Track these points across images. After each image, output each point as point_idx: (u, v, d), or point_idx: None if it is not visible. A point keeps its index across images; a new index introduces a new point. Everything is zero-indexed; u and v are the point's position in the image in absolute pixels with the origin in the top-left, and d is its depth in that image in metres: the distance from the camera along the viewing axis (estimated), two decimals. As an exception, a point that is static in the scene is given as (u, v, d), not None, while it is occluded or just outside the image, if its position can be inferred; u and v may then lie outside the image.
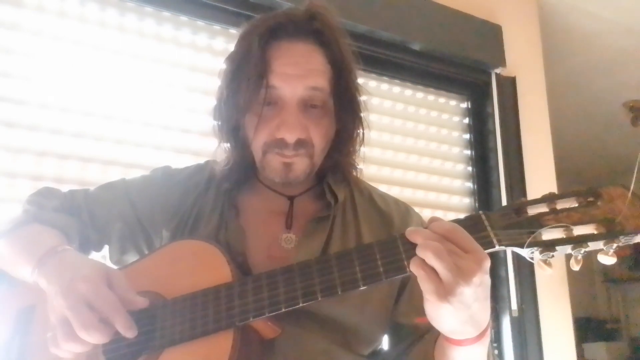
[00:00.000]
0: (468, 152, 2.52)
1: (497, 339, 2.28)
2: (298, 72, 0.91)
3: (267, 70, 0.91)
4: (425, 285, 0.70)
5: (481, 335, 0.75)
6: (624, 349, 5.15)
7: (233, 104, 0.97)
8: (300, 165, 0.94)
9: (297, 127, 0.91)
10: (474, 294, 0.69)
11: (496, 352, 2.26)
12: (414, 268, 0.71)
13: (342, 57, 0.97)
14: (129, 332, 0.78)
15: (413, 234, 0.74)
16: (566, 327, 2.40)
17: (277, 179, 0.96)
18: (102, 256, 1.06)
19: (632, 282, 5.44)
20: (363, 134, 1.04)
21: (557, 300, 2.39)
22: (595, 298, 5.68)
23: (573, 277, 2.51)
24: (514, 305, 2.24)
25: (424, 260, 0.70)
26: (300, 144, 0.92)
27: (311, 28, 0.95)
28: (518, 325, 2.23)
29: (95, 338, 0.75)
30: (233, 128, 1.00)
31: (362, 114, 1.02)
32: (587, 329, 5.14)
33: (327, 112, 0.95)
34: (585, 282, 5.42)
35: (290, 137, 0.90)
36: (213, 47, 1.95)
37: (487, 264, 0.69)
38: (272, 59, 0.92)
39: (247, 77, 0.92)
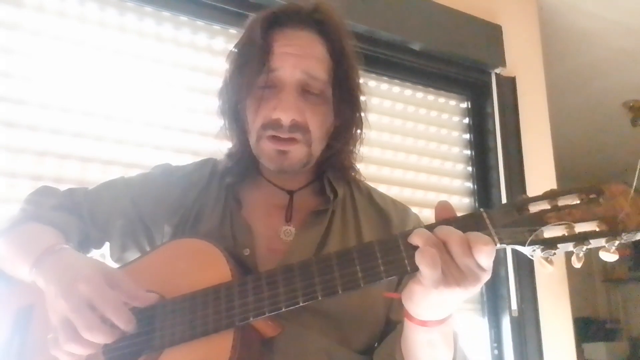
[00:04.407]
0: (468, 152, 2.52)
1: (497, 339, 2.28)
2: (296, 52, 0.94)
3: (268, 53, 0.94)
4: (426, 271, 0.70)
5: (445, 319, 0.77)
6: (624, 349, 5.14)
7: (236, 87, 0.99)
8: (297, 153, 0.95)
9: (293, 107, 0.92)
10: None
11: (496, 352, 2.26)
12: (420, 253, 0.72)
13: (343, 51, 0.99)
14: (131, 329, 0.79)
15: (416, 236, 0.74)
16: (566, 327, 2.40)
17: (272, 166, 0.97)
18: (101, 254, 1.05)
19: (632, 282, 5.43)
20: (362, 132, 1.05)
21: (557, 300, 2.39)
22: (595, 298, 5.67)
23: (573, 277, 2.51)
24: (514, 305, 2.23)
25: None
26: (295, 126, 0.93)
27: (314, 19, 0.98)
28: (518, 325, 2.23)
29: (99, 339, 0.75)
30: (235, 116, 1.02)
31: (361, 113, 1.04)
32: (587, 329, 5.13)
33: (325, 102, 0.97)
34: (585, 282, 5.41)
35: (285, 117, 0.92)
36: (213, 47, 1.95)
37: (487, 278, 0.71)
38: (274, 43, 0.95)
39: (249, 61, 0.95)
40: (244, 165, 1.03)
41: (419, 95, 2.44)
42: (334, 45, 0.98)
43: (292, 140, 0.94)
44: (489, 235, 0.72)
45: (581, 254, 0.69)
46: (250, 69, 0.95)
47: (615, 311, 5.66)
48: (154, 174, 1.10)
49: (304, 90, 0.94)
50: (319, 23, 0.98)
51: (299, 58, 0.93)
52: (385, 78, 2.35)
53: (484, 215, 0.75)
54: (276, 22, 0.98)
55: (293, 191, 1.03)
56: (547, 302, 2.31)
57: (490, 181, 2.44)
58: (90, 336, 0.75)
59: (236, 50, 1.02)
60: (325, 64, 0.96)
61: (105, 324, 0.76)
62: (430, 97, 2.47)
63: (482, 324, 2.30)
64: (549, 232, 0.70)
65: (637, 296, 5.45)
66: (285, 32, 0.97)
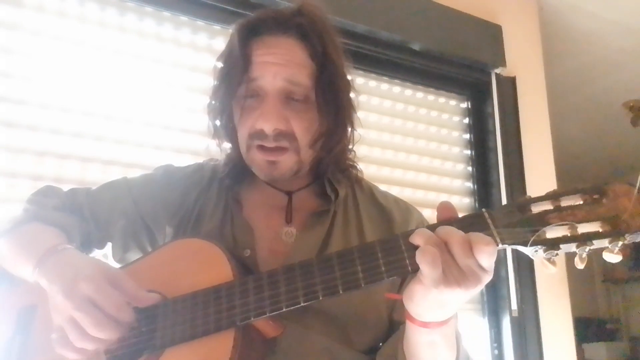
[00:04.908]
0: (468, 152, 2.52)
1: (497, 339, 2.28)
2: (276, 61, 0.92)
3: (248, 63, 0.93)
4: (427, 270, 0.69)
5: (447, 320, 0.77)
6: (624, 349, 5.15)
7: (221, 97, 0.99)
8: (286, 163, 0.94)
9: (275, 117, 0.91)
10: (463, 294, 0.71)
11: (496, 352, 2.26)
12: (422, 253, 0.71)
13: (327, 52, 0.96)
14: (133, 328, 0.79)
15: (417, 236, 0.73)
16: (566, 327, 2.40)
17: (262, 176, 0.97)
18: (104, 254, 1.05)
19: (632, 282, 5.43)
20: (353, 132, 1.04)
21: (557, 300, 2.39)
22: (595, 298, 5.66)
23: (573, 277, 2.51)
24: (514, 305, 2.24)
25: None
26: (280, 135, 0.92)
27: (294, 23, 0.96)
28: (518, 325, 2.23)
29: (107, 334, 0.76)
30: (226, 123, 1.01)
31: (351, 112, 1.02)
32: (587, 329, 5.12)
33: (310, 107, 0.95)
34: (585, 282, 5.40)
35: (268, 128, 0.91)
36: (213, 47, 1.94)
37: (488, 280, 0.71)
38: (253, 52, 0.94)
39: (231, 72, 0.95)
40: (242, 167, 1.02)
41: (419, 95, 2.44)
42: (316, 48, 0.95)
43: (280, 149, 0.93)
44: (491, 235, 0.71)
45: (584, 255, 0.69)
46: (233, 80, 0.94)
47: (615, 311, 5.66)
48: (156, 174, 1.10)
49: (288, 98, 0.93)
50: (299, 26, 0.96)
51: (279, 66, 0.92)
52: (385, 78, 2.35)
53: (486, 215, 0.74)
54: (255, 30, 0.96)
55: (292, 192, 1.03)
56: (547, 302, 2.31)
57: (490, 181, 2.44)
58: (98, 332, 0.75)
59: (220, 61, 1.01)
60: (307, 69, 0.94)
61: (110, 321, 0.76)
62: (431, 97, 2.47)
63: (482, 324, 2.31)
64: (552, 232, 0.69)
65: (637, 296, 5.45)
66: (264, 39, 0.95)
